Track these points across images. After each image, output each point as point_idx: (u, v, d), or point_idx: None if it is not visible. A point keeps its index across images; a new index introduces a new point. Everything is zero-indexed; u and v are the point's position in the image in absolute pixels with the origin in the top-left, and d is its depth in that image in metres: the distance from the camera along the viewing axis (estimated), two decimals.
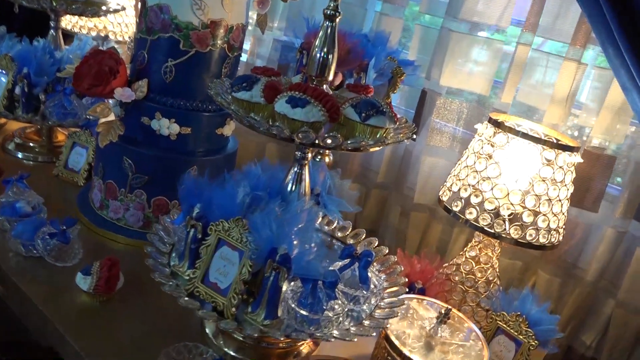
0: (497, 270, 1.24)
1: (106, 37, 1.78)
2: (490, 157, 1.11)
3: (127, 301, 1.14)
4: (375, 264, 1.14)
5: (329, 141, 0.84)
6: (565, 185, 1.10)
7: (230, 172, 1.07)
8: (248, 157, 1.95)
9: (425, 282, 1.22)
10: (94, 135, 1.55)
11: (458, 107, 1.52)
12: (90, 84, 1.28)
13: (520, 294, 1.15)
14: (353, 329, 0.95)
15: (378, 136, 0.91)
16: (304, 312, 0.91)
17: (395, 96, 1.68)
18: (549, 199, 1.08)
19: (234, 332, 1.00)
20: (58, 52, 1.65)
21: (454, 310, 1.09)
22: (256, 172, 1.06)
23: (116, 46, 1.70)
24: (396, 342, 0.98)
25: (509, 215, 1.07)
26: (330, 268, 1.03)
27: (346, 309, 0.99)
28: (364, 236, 1.28)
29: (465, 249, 1.26)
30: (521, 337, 1.05)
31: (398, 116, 0.94)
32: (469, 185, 1.13)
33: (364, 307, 1.02)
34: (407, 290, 1.08)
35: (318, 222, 1.19)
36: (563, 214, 1.12)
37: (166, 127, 1.32)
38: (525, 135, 1.07)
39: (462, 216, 1.14)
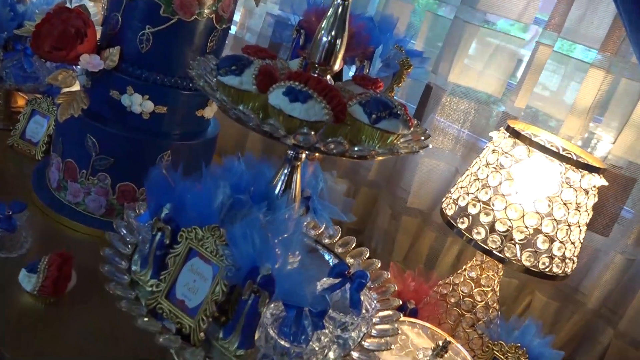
0: (498, 294, 1.12)
1: None
2: (506, 171, 0.98)
3: (79, 304, 0.98)
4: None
5: (332, 146, 0.69)
6: (587, 210, 0.98)
7: (209, 167, 0.91)
8: (228, 143, 1.80)
9: (418, 302, 1.10)
10: (56, 104, 1.37)
11: (465, 107, 1.38)
12: (52, 47, 1.10)
13: (522, 323, 1.04)
14: None
15: (388, 142, 0.77)
16: (285, 344, 0.77)
17: (397, 88, 1.54)
18: (569, 225, 0.95)
19: None
20: (21, 6, 1.45)
21: (453, 341, 0.97)
22: (239, 168, 0.91)
23: (90, 4, 1.51)
24: None
25: (521, 240, 0.95)
26: (318, 285, 0.90)
27: (333, 336, 0.86)
28: (354, 244, 1.14)
29: (464, 267, 1.14)
30: None
31: (412, 119, 0.80)
32: (478, 201, 1.00)
33: (353, 334, 0.89)
34: (400, 315, 0.95)
35: (305, 228, 1.05)
36: (580, 241, 1.01)
37: (138, 104, 1.15)
38: (548, 151, 0.94)
39: (467, 235, 1.01)
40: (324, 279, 0.96)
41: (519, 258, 0.96)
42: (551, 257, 0.96)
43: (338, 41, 0.79)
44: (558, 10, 1.23)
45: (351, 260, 1.11)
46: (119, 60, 1.13)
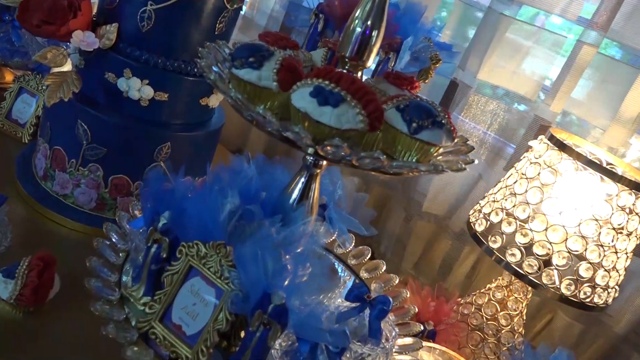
0: (525, 318, 1.03)
1: None
2: (549, 188, 0.87)
3: (62, 313, 0.87)
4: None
5: (367, 161, 0.57)
6: (637, 235, 0.87)
7: (214, 169, 0.80)
8: (231, 133, 1.68)
9: (437, 323, 1.00)
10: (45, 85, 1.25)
11: (494, 107, 1.27)
12: (41, 20, 0.98)
13: (551, 351, 0.94)
14: None
15: (427, 155, 0.66)
16: None
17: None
18: (616, 252, 0.85)
19: None
20: None
21: None
22: (249, 172, 0.79)
23: None
24: None
25: (562, 266, 0.84)
26: (332, 306, 0.80)
27: None
28: (368, 256, 1.04)
29: (489, 286, 1.04)
30: None
31: (456, 129, 0.68)
32: (515, 218, 0.89)
33: None
34: (422, 344, 0.85)
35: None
36: (625, 269, 0.90)
37: (136, 89, 1.03)
38: (600, 169, 0.83)
39: (499, 255, 0.90)
40: (339, 299, 0.86)
41: (558, 286, 0.85)
42: (594, 287, 0.86)
43: (374, 33, 0.67)
44: (606, 8, 1.11)
45: (366, 275, 1.01)
46: (117, 39, 1.01)
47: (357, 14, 0.67)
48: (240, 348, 0.67)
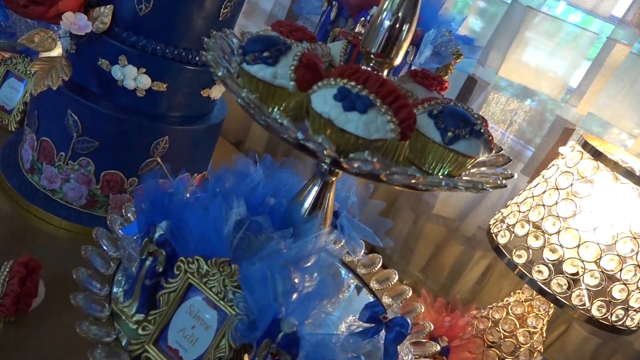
0: (544, 334, 0.96)
1: None
2: (583, 200, 0.79)
3: (47, 324, 0.80)
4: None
5: (396, 177, 0.50)
6: None
7: (217, 172, 0.72)
8: (231, 126, 1.59)
9: (452, 339, 0.93)
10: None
11: (514, 107, 1.19)
12: (29, 0, 0.88)
13: None
14: None
15: (462, 168, 0.58)
16: None
17: None
18: None
19: None
20: None
21: None
22: (255, 177, 0.72)
23: None
24: None
25: (594, 286, 0.77)
26: (343, 326, 0.73)
27: None
28: (379, 264, 0.97)
29: (508, 300, 0.97)
30: None
31: (494, 139, 0.61)
32: (543, 232, 0.81)
33: None
34: None
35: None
36: None
37: (132, 77, 0.94)
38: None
39: (525, 271, 0.83)
40: (350, 317, 0.79)
41: (589, 308, 0.79)
42: (627, 309, 0.79)
43: (405, 27, 0.59)
44: None
45: (376, 286, 0.94)
46: (111, 23, 0.92)
47: (385, 5, 0.59)
48: None
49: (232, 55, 0.62)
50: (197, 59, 0.99)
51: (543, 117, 1.16)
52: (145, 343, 0.62)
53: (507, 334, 0.94)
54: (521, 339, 0.93)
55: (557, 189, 0.82)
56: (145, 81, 0.95)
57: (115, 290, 0.72)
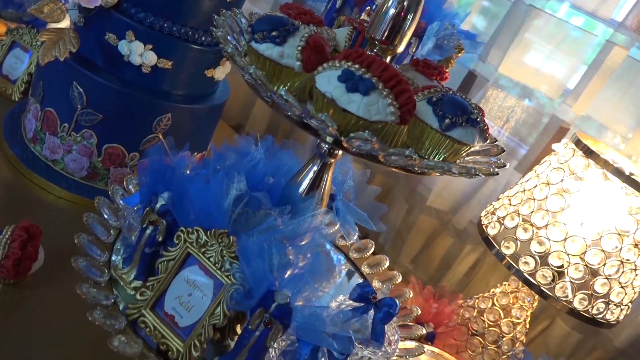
0: (528, 326, 0.99)
1: None
2: (573, 196, 0.82)
3: (44, 288, 0.82)
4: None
5: (394, 159, 0.52)
6: None
7: (219, 148, 0.74)
8: (233, 106, 1.61)
9: (437, 325, 0.96)
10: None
11: (512, 104, 1.21)
12: None
13: None
14: None
15: (457, 155, 0.60)
16: None
17: None
18: (635, 268, 0.81)
19: None
20: None
21: None
22: (256, 155, 0.74)
23: None
24: None
25: (577, 279, 0.80)
26: (334, 304, 0.75)
27: None
28: (371, 250, 0.99)
29: (494, 291, 0.99)
30: None
31: (489, 129, 0.63)
32: (531, 225, 0.84)
33: None
34: (424, 349, 0.81)
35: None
36: None
37: (139, 53, 0.96)
38: (631, 181, 0.78)
39: (512, 262, 0.86)
40: (341, 296, 0.81)
41: (571, 300, 0.81)
42: (608, 303, 0.82)
43: (409, 16, 0.61)
44: None
45: (367, 270, 0.97)
46: None
47: None
48: (237, 345, 0.62)
49: (241, 35, 0.64)
50: (203, 38, 1.00)
51: (539, 116, 1.19)
52: (143, 308, 0.64)
53: (492, 324, 0.97)
54: (505, 328, 0.96)
55: (548, 184, 0.85)
56: (151, 58, 0.97)
57: (114, 258, 0.74)
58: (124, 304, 0.67)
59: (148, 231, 0.67)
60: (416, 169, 0.53)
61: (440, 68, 0.69)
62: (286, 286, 0.59)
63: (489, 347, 0.96)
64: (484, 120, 0.61)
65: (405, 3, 0.61)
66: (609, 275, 0.80)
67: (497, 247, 0.88)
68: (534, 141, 1.21)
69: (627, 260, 0.79)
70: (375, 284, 0.93)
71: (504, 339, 0.96)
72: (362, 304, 0.74)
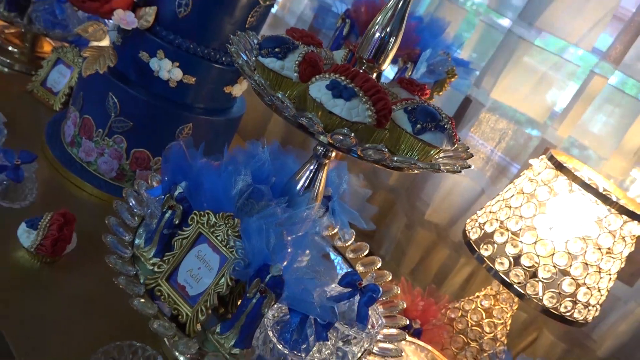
0: (508, 327, 1.07)
1: None
2: (543, 204, 0.92)
3: (75, 269, 0.94)
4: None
5: (370, 152, 0.63)
6: (621, 259, 0.92)
7: (231, 149, 0.86)
8: (249, 123, 1.75)
9: (424, 322, 1.05)
10: (82, 57, 1.32)
11: (503, 127, 1.31)
12: None
13: None
14: None
15: (428, 156, 0.71)
16: (284, 350, 0.72)
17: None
18: (599, 271, 0.89)
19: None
20: None
21: None
22: (262, 157, 0.85)
23: None
24: None
25: (546, 279, 0.89)
26: (327, 296, 0.85)
27: (334, 348, 0.81)
28: (366, 252, 1.09)
29: (478, 294, 1.08)
30: None
31: (457, 135, 0.74)
32: (507, 230, 0.94)
33: (354, 348, 0.84)
34: (406, 336, 0.90)
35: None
36: (607, 290, 0.95)
37: (167, 69, 1.10)
38: (592, 190, 0.88)
39: (489, 263, 0.95)
40: (333, 285, 0.91)
41: (541, 297, 0.90)
42: (575, 302, 0.90)
43: (392, 39, 0.73)
44: (621, 42, 1.16)
45: (361, 269, 1.06)
46: (154, 22, 1.08)
47: (378, 20, 0.73)
48: (237, 312, 0.72)
49: (252, 52, 0.77)
50: (223, 59, 1.14)
51: (528, 138, 1.29)
52: (159, 279, 0.76)
53: (474, 324, 1.05)
54: (486, 328, 1.04)
55: (523, 193, 0.95)
56: (177, 74, 1.10)
57: (137, 241, 0.85)
58: (143, 277, 0.78)
59: (167, 215, 0.79)
60: (389, 162, 0.64)
61: (422, 86, 0.81)
62: (279, 261, 0.70)
63: (471, 345, 1.04)
64: (453, 128, 0.71)
65: (388, 29, 0.73)
66: (575, 276, 0.89)
67: (478, 250, 0.98)
68: (525, 161, 1.31)
69: (592, 263, 0.88)
70: (367, 278, 1.02)
71: (485, 337, 1.04)
72: (349, 290, 0.84)
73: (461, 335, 1.05)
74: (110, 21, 1.09)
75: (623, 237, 0.89)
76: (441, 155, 0.75)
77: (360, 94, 0.64)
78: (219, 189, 0.76)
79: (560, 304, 0.90)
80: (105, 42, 1.12)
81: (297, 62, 0.68)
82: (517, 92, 1.30)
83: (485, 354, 1.03)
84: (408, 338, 0.99)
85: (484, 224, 0.99)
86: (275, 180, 0.85)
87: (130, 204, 0.88)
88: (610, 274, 0.92)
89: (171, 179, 0.80)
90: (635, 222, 0.89)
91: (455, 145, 0.74)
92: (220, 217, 0.74)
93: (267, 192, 0.78)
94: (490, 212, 1.00)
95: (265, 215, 0.73)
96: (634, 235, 0.91)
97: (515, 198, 0.96)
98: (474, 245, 0.99)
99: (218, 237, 0.73)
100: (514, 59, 1.28)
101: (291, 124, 0.66)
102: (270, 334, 0.74)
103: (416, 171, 0.69)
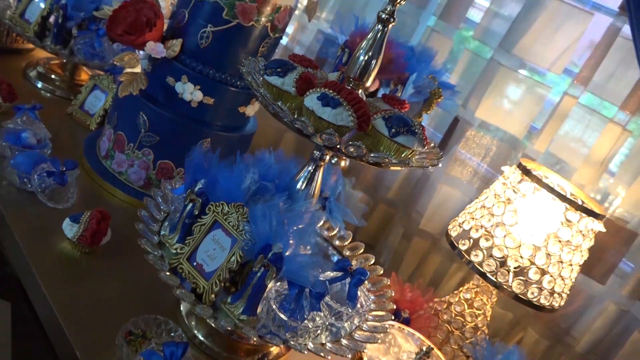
0: (489, 318, 1.19)
1: None
2: (511, 203, 1.06)
3: (109, 259, 1.10)
4: (366, 282, 1.10)
5: (351, 149, 0.79)
6: (581, 251, 1.05)
7: (243, 155, 1.03)
8: (264, 141, 1.92)
9: (412, 312, 1.18)
10: (116, 82, 1.52)
11: (488, 143, 1.46)
12: (124, 31, 1.24)
13: (506, 348, 1.10)
14: (329, 345, 0.90)
15: (402, 156, 0.86)
16: (283, 317, 0.87)
17: (426, 117, 1.63)
18: (561, 261, 1.02)
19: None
20: None
21: (435, 349, 1.04)
22: (269, 161, 1.02)
23: None
24: None
25: (515, 268, 1.02)
26: (321, 277, 0.99)
27: (327, 323, 0.95)
28: (361, 250, 1.23)
29: (461, 289, 1.21)
30: None
31: (428, 140, 0.89)
32: (481, 226, 1.08)
33: (345, 324, 0.98)
34: (392, 317, 1.04)
35: (319, 227, 1.15)
36: (571, 279, 1.07)
37: (190, 92, 1.28)
38: (551, 190, 1.02)
39: (466, 256, 1.09)
40: (327, 272, 1.05)
41: (510, 284, 1.03)
42: (540, 289, 1.03)
43: (373, 61, 0.89)
44: (588, 65, 1.31)
45: (355, 262, 1.20)
46: (179, 52, 1.26)
47: (362, 46, 0.90)
48: (244, 284, 0.87)
49: (259, 73, 0.94)
50: (238, 83, 1.32)
51: (509, 152, 1.43)
52: (181, 259, 0.91)
53: (457, 314, 1.18)
54: (468, 318, 1.17)
55: (495, 194, 1.09)
56: (198, 95, 1.28)
57: (162, 232, 1.01)
58: (168, 259, 0.94)
59: (189, 207, 0.95)
60: (368, 158, 0.80)
61: (402, 101, 0.97)
62: (280, 241, 0.85)
63: (454, 333, 1.17)
64: (424, 133, 0.87)
65: (370, 53, 0.89)
66: (539, 266, 1.02)
67: (457, 246, 1.12)
68: None
69: (554, 254, 1.01)
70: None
71: (467, 326, 1.16)
72: (341, 273, 0.99)
73: (446, 325, 1.18)
74: (142, 52, 1.28)
75: (580, 231, 1.02)
76: (416, 157, 0.90)
77: (345, 104, 0.80)
78: (231, 183, 0.92)
79: (528, 290, 1.02)
80: (138, 69, 1.31)
81: (295, 79, 0.84)
82: (499, 112, 1.46)
83: (467, 341, 1.16)
84: (398, 325, 1.12)
85: (463, 223, 1.13)
86: (279, 180, 1.01)
87: (158, 200, 1.04)
88: (572, 264, 1.04)
89: (192, 177, 0.96)
90: (591, 218, 1.02)
91: (427, 148, 0.89)
92: (232, 206, 0.89)
93: (272, 187, 0.94)
94: (468, 213, 1.14)
95: (269, 205, 0.89)
96: (591, 230, 1.04)
97: (489, 200, 1.10)
98: (454, 242, 1.13)
99: (230, 223, 0.89)
100: (495, 82, 1.44)
101: (290, 128, 0.82)
102: (272, 304, 0.89)
103: (392, 167, 0.85)
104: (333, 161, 1.42)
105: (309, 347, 0.87)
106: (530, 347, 1.41)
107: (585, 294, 1.31)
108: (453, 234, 1.14)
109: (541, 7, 1.37)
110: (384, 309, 1.05)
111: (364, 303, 1.02)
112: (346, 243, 1.22)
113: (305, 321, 0.88)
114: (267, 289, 0.88)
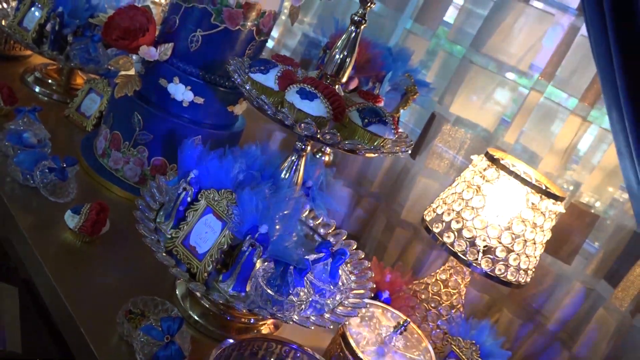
0: (463, 297, 1.28)
1: None
2: (479, 188, 1.15)
3: (108, 247, 1.18)
4: (348, 264, 1.19)
5: (327, 137, 0.88)
6: (543, 230, 1.14)
7: (231, 148, 1.11)
8: (252, 140, 2.01)
9: (392, 293, 1.27)
10: (111, 85, 1.60)
11: (462, 136, 1.56)
12: (119, 36, 1.32)
13: (480, 324, 1.19)
14: (313, 318, 0.99)
15: (375, 144, 0.96)
16: (270, 292, 0.95)
17: (406, 113, 1.73)
18: (525, 240, 1.12)
19: (201, 297, 1.04)
20: None
21: (413, 325, 1.13)
22: (255, 152, 1.11)
23: (151, 6, 1.75)
24: (351, 341, 1.02)
25: (483, 247, 1.12)
26: (305, 257, 1.08)
27: (310, 299, 1.03)
28: (344, 237, 1.32)
29: (437, 270, 1.30)
30: None
31: (400, 130, 0.98)
32: (453, 210, 1.17)
33: (328, 301, 1.06)
34: (372, 295, 1.12)
35: (304, 215, 1.23)
36: (535, 257, 1.17)
37: (181, 92, 1.36)
38: (515, 175, 1.11)
39: (440, 238, 1.18)
40: (311, 255, 1.14)
41: (479, 262, 1.12)
42: (507, 266, 1.12)
43: (348, 59, 0.99)
44: (551, 61, 1.42)
45: (333, 240, 1.29)
46: (171, 55, 1.35)
47: (337, 45, 0.99)
48: (234, 263, 0.96)
49: (244, 71, 1.03)
50: (226, 83, 1.40)
51: (483, 144, 1.53)
52: (176, 242, 1.00)
53: (434, 293, 1.27)
54: (444, 297, 1.26)
55: (465, 181, 1.18)
56: (189, 96, 1.37)
57: (158, 220, 1.10)
58: (164, 243, 1.02)
59: (182, 195, 1.03)
60: (343, 145, 0.89)
61: (375, 96, 1.06)
62: (265, 222, 0.94)
63: (432, 311, 1.26)
64: (395, 124, 0.96)
65: (345, 52, 0.99)
66: (505, 244, 1.11)
67: (431, 230, 1.21)
68: None
69: (518, 233, 1.11)
70: None
71: (443, 304, 1.25)
72: (323, 255, 1.07)
73: (424, 304, 1.27)
74: (135, 56, 1.36)
75: (542, 213, 1.12)
76: (388, 145, 1.00)
77: (321, 97, 0.89)
78: (221, 172, 1.01)
79: (495, 267, 1.12)
80: (132, 72, 1.39)
81: (277, 76, 0.94)
82: (472, 107, 1.56)
83: (443, 318, 1.25)
84: (379, 304, 1.21)
85: (436, 208, 1.22)
86: (265, 170, 1.10)
87: (154, 190, 1.12)
88: (535, 243, 1.14)
89: (186, 168, 1.05)
90: (552, 200, 1.12)
91: (398, 137, 0.98)
92: (222, 193, 0.98)
93: (257, 176, 1.03)
94: (441, 199, 1.24)
95: (255, 191, 0.97)
96: (552, 211, 1.14)
97: (460, 185, 1.20)
98: (429, 226, 1.22)
99: (220, 208, 0.98)
100: (467, 79, 1.54)
101: (272, 120, 0.92)
102: (260, 281, 0.97)
103: (367, 154, 0.94)
104: (317, 155, 1.51)
105: (294, 319, 0.96)
106: (505, 327, 1.50)
107: (554, 274, 1.41)
108: (428, 218, 1.23)
109: (508, 8, 1.47)
110: (365, 288, 1.14)
111: (345, 282, 1.11)
112: (330, 230, 1.31)
113: (290, 296, 0.97)
114: (255, 268, 0.96)
